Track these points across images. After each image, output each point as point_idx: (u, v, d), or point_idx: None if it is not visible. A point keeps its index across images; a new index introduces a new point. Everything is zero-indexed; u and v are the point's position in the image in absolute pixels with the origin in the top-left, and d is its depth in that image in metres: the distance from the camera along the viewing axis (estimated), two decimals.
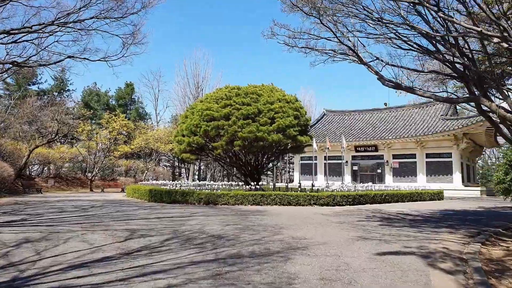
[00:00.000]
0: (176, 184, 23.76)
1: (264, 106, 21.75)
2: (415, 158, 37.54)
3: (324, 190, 22.00)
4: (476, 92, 8.21)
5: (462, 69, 7.98)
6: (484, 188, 34.87)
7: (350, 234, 8.01)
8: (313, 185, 32.04)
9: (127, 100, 55.41)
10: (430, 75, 11.72)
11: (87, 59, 13.87)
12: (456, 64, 8.01)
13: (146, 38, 21.49)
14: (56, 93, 51.46)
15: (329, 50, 9.60)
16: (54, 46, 16.76)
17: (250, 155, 24.42)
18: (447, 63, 8.10)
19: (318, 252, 6.11)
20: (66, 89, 53.03)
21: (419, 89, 9.17)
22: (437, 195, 23.90)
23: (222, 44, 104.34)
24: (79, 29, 13.46)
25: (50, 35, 13.55)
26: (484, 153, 51.95)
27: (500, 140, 40.81)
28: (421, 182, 35.79)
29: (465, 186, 34.39)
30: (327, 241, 7.14)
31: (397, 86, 8.63)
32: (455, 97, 9.39)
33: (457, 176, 34.16)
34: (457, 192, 32.06)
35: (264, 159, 25.01)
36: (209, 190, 17.35)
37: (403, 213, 13.16)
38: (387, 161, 39.23)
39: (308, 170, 45.11)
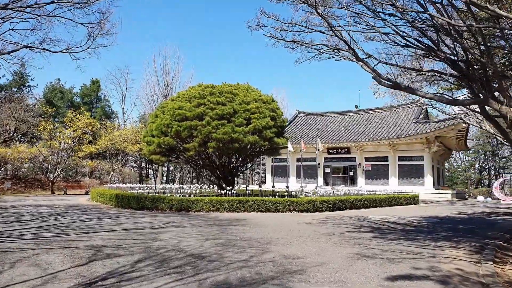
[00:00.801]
0: (144, 187, 22.36)
1: (240, 106, 20.72)
2: (388, 161, 37.66)
3: (299, 193, 21.25)
4: (479, 94, 7.60)
5: (466, 68, 7.31)
6: (454, 192, 35.38)
7: (346, 250, 7.14)
8: (287, 187, 31.35)
9: (92, 98, 52.80)
10: (422, 76, 11.11)
11: (48, 50, 12.34)
12: (459, 63, 7.34)
13: (115, 28, 19.60)
14: (15, 89, 48.26)
15: (321, 44, 8.70)
16: (10, 35, 15.10)
17: (224, 157, 23.34)
18: (448, 62, 7.40)
19: (319, 278, 5.17)
20: (27, 84, 49.86)
21: (419, 90, 8.42)
22: (413, 199, 23.68)
23: (194, 42, 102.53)
24: (37, 16, 11.95)
25: (5, 21, 11.98)
26: (452, 156, 53.08)
27: (469, 143, 41.71)
28: (393, 185, 35.92)
29: (436, 189, 34.74)
30: (325, 261, 6.22)
31: (396, 85, 7.85)
32: (456, 99, 8.70)
33: (428, 179, 34.43)
34: (429, 195, 32.26)
35: (239, 161, 23.98)
36: (181, 196, 16.15)
37: (389, 221, 12.50)
38: (359, 163, 39.19)
39: (280, 172, 44.51)
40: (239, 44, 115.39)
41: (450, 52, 7.52)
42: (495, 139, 53.31)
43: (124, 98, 55.35)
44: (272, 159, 45.26)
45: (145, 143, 22.62)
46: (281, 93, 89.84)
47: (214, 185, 24.34)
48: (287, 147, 26.04)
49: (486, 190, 49.70)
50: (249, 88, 22.95)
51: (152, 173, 61.45)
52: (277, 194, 18.50)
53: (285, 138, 22.88)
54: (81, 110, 36.00)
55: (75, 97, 51.48)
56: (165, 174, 59.58)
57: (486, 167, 58.71)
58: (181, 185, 36.21)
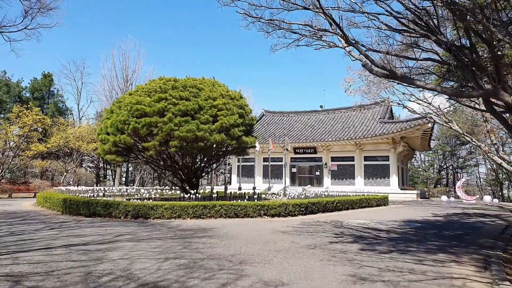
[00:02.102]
0: (98, 190, 20.34)
1: (205, 102, 19.22)
2: (354, 161, 37.33)
3: (268, 195, 20.08)
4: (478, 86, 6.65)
5: (471, 56, 6.33)
6: (418, 192, 35.55)
7: (337, 270, 5.92)
8: (254, 189, 30.11)
9: (44, 93, 48.94)
10: (407, 69, 10.16)
11: None
12: (464, 50, 6.35)
13: (57, 2, 16.23)
14: None
15: (304, 24, 7.45)
16: None
17: (188, 158, 21.74)
18: (452, 47, 6.39)
19: None
20: None
21: (420, 80, 7.37)
22: (383, 201, 23.13)
23: (155, 36, 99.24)
24: None
25: None
26: (415, 156, 53.96)
27: (432, 143, 42.28)
28: (359, 185, 35.62)
29: (402, 189, 34.72)
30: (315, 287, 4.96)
31: (391, 74, 6.73)
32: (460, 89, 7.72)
33: (394, 179, 34.35)
34: (395, 195, 32.09)
35: (204, 162, 22.45)
36: (139, 201, 14.46)
37: (369, 227, 11.49)
38: (325, 163, 38.65)
39: (246, 172, 43.28)
40: (205, 41, 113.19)
41: (449, 39, 6.53)
42: (454, 139, 54.85)
43: (80, 93, 51.99)
44: (238, 159, 43.99)
45: (100, 141, 20.61)
46: (247, 93, 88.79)
47: (177, 187, 22.68)
48: (255, 147, 24.80)
49: (445, 189, 50.89)
50: (215, 83, 21.47)
51: (111, 173, 58.31)
52: (246, 196, 17.18)
53: (253, 137, 21.60)
54: (28, 105, 32.89)
55: (23, 91, 47.51)
56: (124, 175, 56.72)
57: (445, 166, 60.30)
58: (140, 187, 34.10)
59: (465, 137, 22.28)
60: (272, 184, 39.32)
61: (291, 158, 41.00)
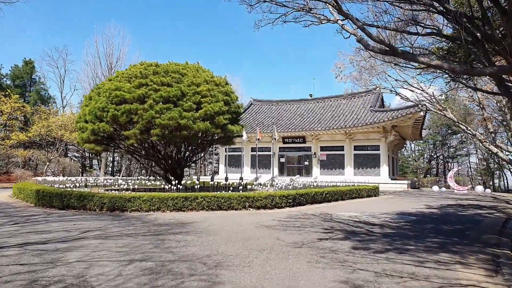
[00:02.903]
0: (79, 180, 19.33)
1: (188, 88, 18.23)
2: (343, 150, 36.70)
3: (255, 186, 19.28)
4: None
5: (483, 28, 5.50)
6: (409, 182, 35.11)
7: (327, 274, 5.12)
8: (241, 179, 29.27)
9: (26, 81, 47.13)
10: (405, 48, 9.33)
11: None
12: (475, 21, 5.52)
13: None
14: None
15: None
16: None
17: (171, 147, 20.77)
18: (463, 18, 5.55)
19: None
20: None
21: (424, 56, 6.52)
22: (373, 191, 22.49)
23: (140, 22, 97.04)
24: None
25: None
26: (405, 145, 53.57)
27: (423, 133, 41.82)
28: (349, 175, 35.06)
29: (392, 179, 34.25)
30: None
31: (391, 50, 5.86)
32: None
33: (384, 169, 33.82)
34: (385, 185, 31.56)
35: (188, 151, 21.50)
36: (116, 192, 13.52)
37: (361, 220, 10.74)
38: (314, 153, 37.97)
39: (234, 162, 42.43)
40: (193, 27, 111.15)
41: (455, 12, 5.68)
42: (445, 129, 54.58)
43: (63, 81, 50.55)
44: (225, 148, 43.09)
45: (79, 129, 19.54)
46: (235, 81, 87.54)
47: (162, 177, 21.74)
48: (242, 136, 23.94)
49: (435, 179, 50.75)
50: (199, 68, 20.44)
51: (97, 163, 56.90)
52: (231, 186, 16.38)
53: (240, 126, 20.70)
54: (7, 92, 31.45)
55: (4, 78, 45.63)
56: (111, 165, 55.47)
57: (435, 156, 60.16)
58: (125, 177, 33.04)
59: (460, 125, 21.66)
60: (260, 174, 38.57)
61: (280, 147, 40.24)
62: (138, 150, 20.10)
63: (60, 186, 15.42)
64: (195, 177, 42.71)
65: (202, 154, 39.30)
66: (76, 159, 55.01)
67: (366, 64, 21.94)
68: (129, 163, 51.75)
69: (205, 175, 55.63)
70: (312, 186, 19.34)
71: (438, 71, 15.04)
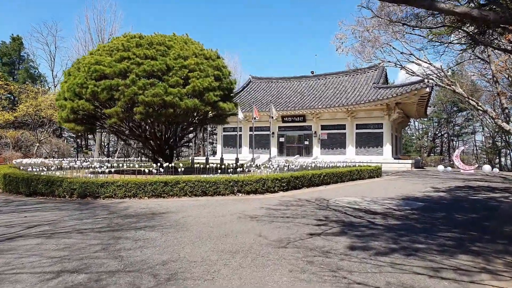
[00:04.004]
0: (59, 163, 18.03)
1: (174, 62, 16.71)
2: (345, 129, 35.27)
3: (251, 167, 17.95)
4: None
5: None
6: (413, 161, 33.80)
7: None
8: (237, 160, 28.01)
9: (14, 58, 45.36)
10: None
11: None
12: None
13: None
14: None
15: None
16: None
17: (160, 126, 19.42)
18: None
19: None
20: None
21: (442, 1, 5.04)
22: (376, 172, 21.19)
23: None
24: None
25: None
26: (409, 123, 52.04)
27: (428, 110, 40.22)
28: (350, 154, 33.76)
29: (395, 158, 32.91)
30: None
31: None
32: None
33: (387, 148, 32.45)
34: (388, 165, 30.25)
35: (179, 130, 20.12)
36: (91, 176, 12.25)
37: (361, 208, 9.43)
38: (315, 132, 36.57)
39: (232, 142, 41.11)
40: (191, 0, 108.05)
41: None
42: (450, 106, 52.85)
43: (53, 58, 48.53)
44: (223, 128, 41.79)
45: (59, 107, 18.16)
46: (234, 58, 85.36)
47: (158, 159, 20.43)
48: (236, 114, 22.50)
49: (439, 158, 49.39)
50: (188, 40, 18.84)
51: (94, 144, 55.65)
52: (228, 168, 15.03)
53: (232, 103, 19.21)
54: None
55: None
56: (107, 146, 54.23)
57: (439, 134, 58.64)
58: (114, 159, 31.82)
59: (469, 100, 20.16)
60: (258, 154, 37.32)
61: (279, 127, 38.86)
62: (121, 130, 18.74)
63: (34, 169, 14.13)
64: (197, 158, 41.55)
65: (195, 134, 37.67)
66: (72, 140, 53.84)
67: (369, 35, 20.31)
68: (135, 144, 50.45)
69: (204, 155, 54.39)
70: (309, 168, 18.02)
71: (450, 39, 13.47)
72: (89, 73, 16.02)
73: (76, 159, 32.75)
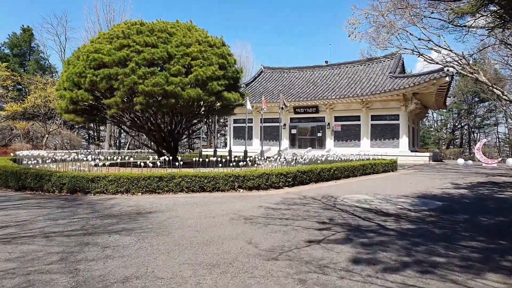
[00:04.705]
0: (59, 155, 17.48)
1: (176, 49, 15.89)
2: (359, 120, 34.02)
3: (259, 159, 17.09)
4: None
5: None
6: (431, 154, 32.41)
7: None
8: (245, 152, 27.14)
9: (24, 49, 45.28)
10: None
11: None
12: None
13: None
14: None
15: None
16: None
17: (165, 117, 18.72)
18: None
19: None
20: None
21: None
22: (391, 166, 20.07)
23: None
24: None
25: None
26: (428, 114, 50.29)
27: (447, 101, 38.57)
28: (365, 146, 32.55)
29: (412, 151, 31.58)
30: None
31: None
32: None
33: (404, 140, 31.12)
34: (404, 158, 29.02)
35: (183, 122, 19.36)
36: (83, 170, 11.57)
37: (372, 208, 8.47)
38: (328, 123, 35.43)
39: (242, 134, 40.18)
40: None
41: None
42: (472, 96, 50.77)
43: (64, 49, 48.34)
44: (233, 119, 41.00)
45: (59, 97, 17.59)
46: (246, 48, 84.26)
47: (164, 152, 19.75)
48: (243, 105, 21.59)
49: (458, 150, 47.64)
50: (191, 27, 17.96)
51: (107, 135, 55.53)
52: (234, 161, 14.15)
53: (238, 93, 18.28)
54: None
55: (2, 47, 43.96)
56: (118, 138, 54.05)
57: (459, 126, 56.61)
58: (118, 151, 31.35)
59: (494, 90, 18.80)
60: (269, 147, 36.42)
61: (291, 118, 37.84)
62: (123, 121, 18.06)
63: (29, 162, 13.51)
64: (206, 150, 40.91)
65: (208, 126, 36.61)
66: (85, 132, 53.85)
67: (384, 21, 19.07)
68: (137, 136, 50.17)
69: (216, 147, 53.60)
70: (319, 162, 17.04)
71: (472, 22, 12.24)
72: (87, 62, 15.34)
73: (88, 150, 32.50)
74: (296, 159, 15.85)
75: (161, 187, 10.23)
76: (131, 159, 17.81)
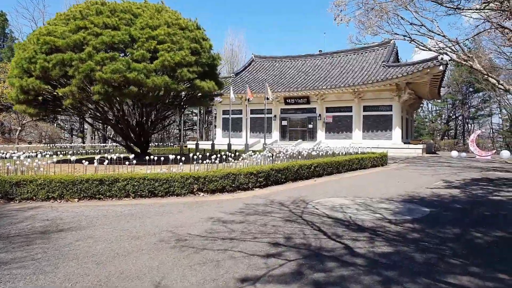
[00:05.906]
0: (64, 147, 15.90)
1: (140, 32, 14.22)
2: (351, 111, 32.62)
3: (245, 153, 15.59)
4: None
5: None
6: (424, 146, 31.04)
7: None
8: (229, 146, 25.62)
9: None
10: None
11: None
12: None
13: None
14: None
15: None
16: None
17: (136, 108, 17.13)
18: None
19: None
20: None
21: None
22: (380, 160, 18.62)
23: None
24: None
25: None
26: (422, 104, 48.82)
27: (442, 91, 37.09)
28: (357, 138, 31.14)
29: (405, 143, 30.20)
30: None
31: None
32: None
33: (397, 132, 29.72)
34: (397, 150, 27.63)
35: (153, 113, 17.73)
36: (11, 169, 9.98)
37: (345, 218, 6.95)
38: (319, 114, 33.98)
39: (232, 126, 38.70)
40: None
41: None
42: (466, 86, 49.33)
43: None
44: (222, 111, 39.46)
45: (10, 86, 15.90)
46: (238, 36, 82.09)
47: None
48: (221, 94, 19.98)
49: (453, 141, 46.38)
50: (162, 8, 16.25)
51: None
52: (219, 155, 12.54)
53: (213, 82, 16.61)
54: None
55: None
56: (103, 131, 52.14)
57: (454, 117, 55.26)
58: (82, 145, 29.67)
59: (489, 78, 17.31)
60: (258, 139, 34.89)
61: (281, 109, 36.36)
62: (82, 112, 16.39)
63: None
64: (192, 143, 39.26)
65: (175, 118, 34.40)
66: (68, 124, 52.02)
67: (373, 2, 17.45)
68: (101, 129, 48.25)
69: (206, 140, 51.79)
70: (299, 158, 15.53)
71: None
72: (38, 46, 13.63)
73: (70, 145, 30.84)
74: (273, 154, 14.32)
75: (102, 192, 8.66)
76: (98, 156, 16.28)
